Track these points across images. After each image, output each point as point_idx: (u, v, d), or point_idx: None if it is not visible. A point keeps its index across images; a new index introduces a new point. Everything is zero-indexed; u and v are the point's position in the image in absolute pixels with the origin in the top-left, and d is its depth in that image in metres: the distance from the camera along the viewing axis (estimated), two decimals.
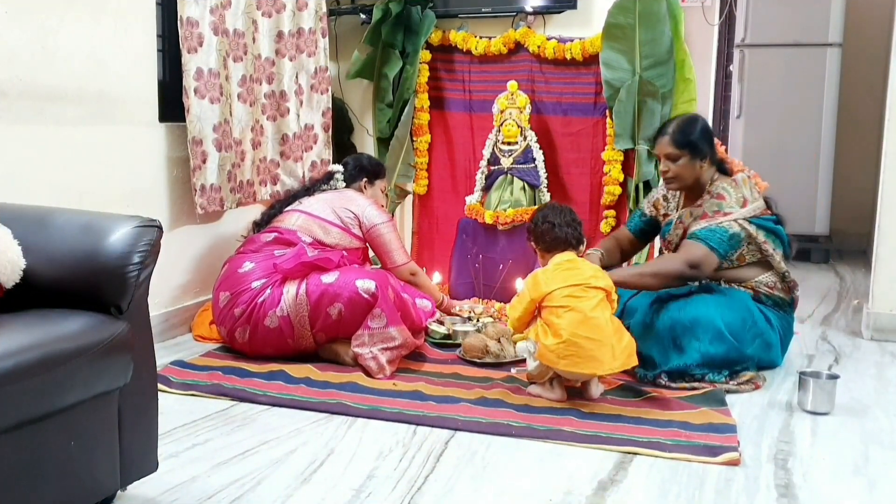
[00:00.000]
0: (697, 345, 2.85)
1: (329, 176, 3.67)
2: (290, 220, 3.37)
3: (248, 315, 3.05)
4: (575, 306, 2.63)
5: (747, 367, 2.93)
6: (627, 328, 2.82)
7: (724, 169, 3.17)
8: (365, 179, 3.68)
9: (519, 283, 3.54)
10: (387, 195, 3.99)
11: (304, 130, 3.96)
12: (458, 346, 3.28)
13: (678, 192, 3.26)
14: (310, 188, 3.62)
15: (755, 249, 3.07)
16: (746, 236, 3.02)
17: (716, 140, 3.20)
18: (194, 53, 3.27)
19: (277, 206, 3.50)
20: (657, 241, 3.51)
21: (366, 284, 3.01)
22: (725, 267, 3.05)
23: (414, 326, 3.20)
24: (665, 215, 3.31)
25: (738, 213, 3.01)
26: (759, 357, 2.99)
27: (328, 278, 3.06)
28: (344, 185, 3.64)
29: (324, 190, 3.59)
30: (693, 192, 3.16)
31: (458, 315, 3.58)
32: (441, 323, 3.44)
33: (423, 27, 4.15)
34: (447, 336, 3.36)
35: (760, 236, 3.04)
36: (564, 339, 2.59)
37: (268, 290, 3.06)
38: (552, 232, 2.82)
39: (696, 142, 3.08)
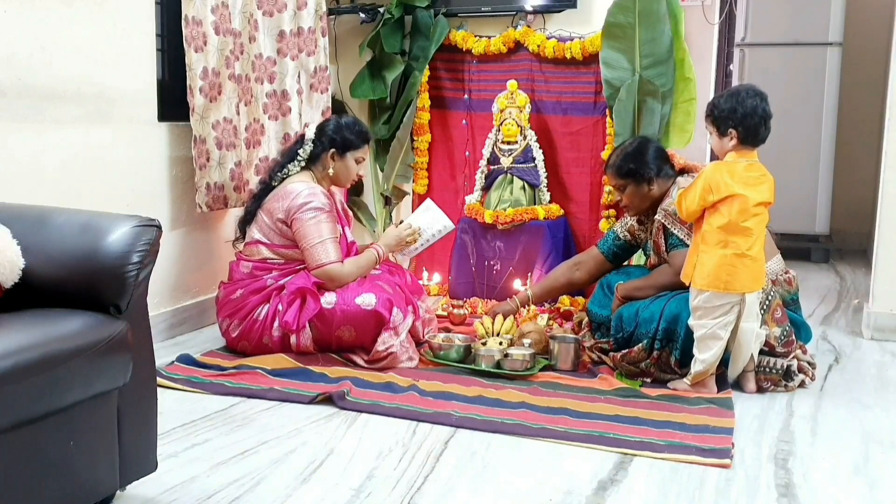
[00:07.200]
0: None
1: (299, 142, 3.24)
2: (250, 249, 3.16)
3: (247, 334, 3.07)
4: None
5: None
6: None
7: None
8: (332, 150, 3.19)
9: (517, 283, 3.54)
10: (389, 168, 3.72)
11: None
12: (479, 372, 2.95)
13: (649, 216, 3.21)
14: (273, 172, 3.22)
15: None
16: None
17: (670, 152, 3.15)
18: (200, 52, 3.27)
19: (252, 205, 3.22)
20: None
21: (365, 300, 3.00)
22: None
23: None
24: (643, 239, 3.27)
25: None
26: None
27: (327, 301, 3.01)
28: (308, 153, 3.18)
29: (281, 177, 3.18)
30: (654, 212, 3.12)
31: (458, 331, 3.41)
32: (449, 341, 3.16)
33: (435, 34, 4.14)
34: (461, 360, 3.05)
35: None
36: None
37: (264, 311, 3.05)
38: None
39: (636, 168, 3.05)
